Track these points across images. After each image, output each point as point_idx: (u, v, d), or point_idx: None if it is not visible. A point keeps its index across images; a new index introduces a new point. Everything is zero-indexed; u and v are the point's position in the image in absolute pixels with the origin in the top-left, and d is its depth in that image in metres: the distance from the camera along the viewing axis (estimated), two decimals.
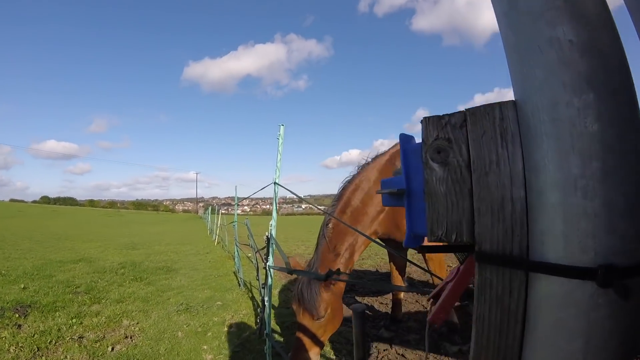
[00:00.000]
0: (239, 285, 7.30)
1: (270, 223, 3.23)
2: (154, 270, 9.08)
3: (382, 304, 6.06)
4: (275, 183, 3.15)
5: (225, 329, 4.96)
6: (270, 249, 3.29)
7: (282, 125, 3.05)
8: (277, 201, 3.22)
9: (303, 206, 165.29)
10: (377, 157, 4.00)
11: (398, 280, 4.76)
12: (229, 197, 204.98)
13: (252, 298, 6.38)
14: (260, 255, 4.00)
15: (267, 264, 3.29)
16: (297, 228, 32.02)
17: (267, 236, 3.42)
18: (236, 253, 8.53)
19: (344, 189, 3.69)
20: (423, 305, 5.74)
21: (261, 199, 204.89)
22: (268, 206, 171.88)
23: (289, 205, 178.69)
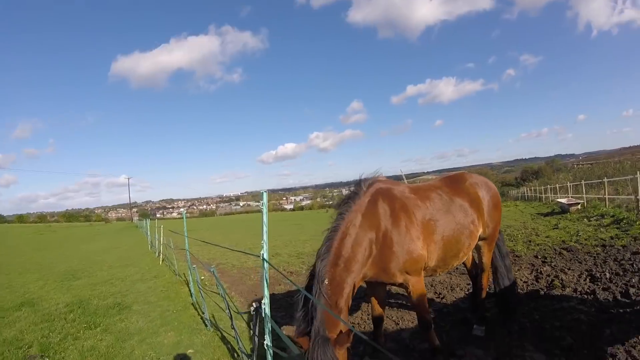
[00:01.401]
0: (205, 324, 6.76)
1: (263, 302, 3.19)
2: (106, 310, 8.24)
3: (352, 323, 6.37)
4: (263, 259, 3.09)
5: None
6: (267, 328, 3.23)
7: (265, 192, 2.98)
8: (267, 278, 3.17)
9: (241, 204, 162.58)
10: (353, 197, 4.13)
11: (378, 310, 4.79)
12: (163, 199, 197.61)
13: (227, 342, 5.86)
14: (231, 304, 3.98)
15: (266, 342, 3.19)
16: (248, 230, 32.24)
17: (254, 307, 3.47)
18: (191, 283, 8.37)
19: (331, 238, 3.71)
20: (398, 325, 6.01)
21: (197, 199, 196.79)
22: (205, 207, 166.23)
23: (226, 204, 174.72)
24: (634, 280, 6.69)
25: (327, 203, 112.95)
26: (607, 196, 17.18)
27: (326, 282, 3.45)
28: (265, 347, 3.17)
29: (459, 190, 5.01)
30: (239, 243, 19.82)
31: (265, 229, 2.97)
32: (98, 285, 11.06)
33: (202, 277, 10.19)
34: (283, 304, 7.56)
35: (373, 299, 4.69)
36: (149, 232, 22.53)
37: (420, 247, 4.17)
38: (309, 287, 3.63)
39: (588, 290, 6.62)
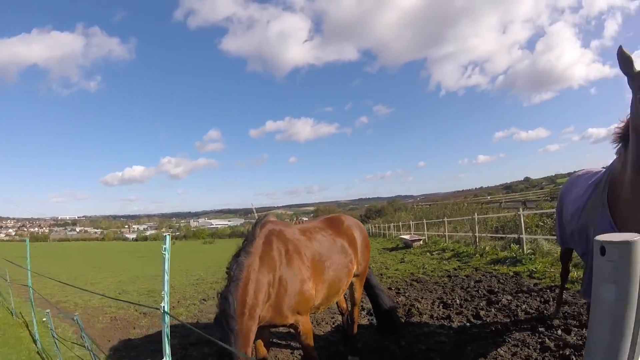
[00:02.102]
0: None
1: None
2: None
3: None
4: (164, 312, 2.73)
5: None
6: None
7: (169, 234, 2.73)
8: (168, 334, 2.80)
9: (77, 229, 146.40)
10: (250, 239, 4.08)
11: (263, 352, 4.70)
12: None
13: None
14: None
15: None
16: (88, 261, 28.22)
17: None
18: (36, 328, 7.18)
19: (236, 285, 3.66)
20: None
21: (28, 219, 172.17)
22: (37, 229, 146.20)
23: (61, 229, 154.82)
24: (482, 304, 7.55)
25: (175, 234, 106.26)
26: (447, 233, 19.21)
27: (240, 340, 3.45)
28: None
29: (339, 232, 5.30)
30: (78, 277, 17.63)
31: (166, 277, 2.67)
32: None
33: (44, 319, 8.68)
34: (143, 350, 6.82)
35: (258, 343, 4.57)
36: None
37: (311, 287, 4.30)
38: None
39: (443, 316, 7.26)
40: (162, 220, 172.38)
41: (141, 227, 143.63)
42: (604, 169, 4.01)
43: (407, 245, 20.78)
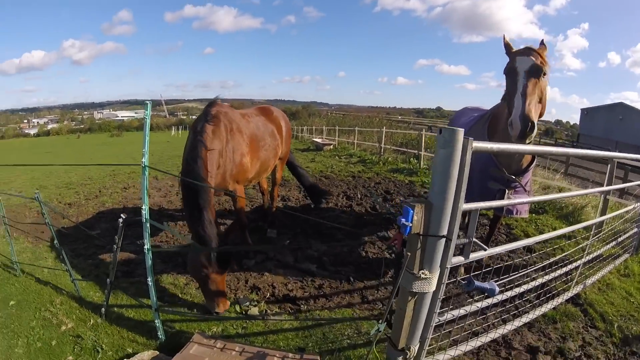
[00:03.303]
0: (9, 271, 5.76)
1: (143, 208, 3.44)
2: None
3: None
4: (144, 166, 3.33)
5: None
6: (146, 232, 3.53)
7: (149, 102, 3.18)
8: (146, 186, 3.42)
9: None
10: (204, 117, 4.80)
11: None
12: None
13: (49, 283, 5.33)
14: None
15: (146, 247, 3.52)
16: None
17: (123, 219, 3.75)
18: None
19: (198, 153, 4.43)
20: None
21: None
22: None
23: None
24: (379, 200, 8.94)
25: (78, 127, 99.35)
26: (356, 141, 20.70)
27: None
28: (145, 251, 3.52)
29: (270, 119, 6.36)
30: (10, 181, 16.72)
31: (147, 139, 3.21)
32: None
33: None
34: (80, 236, 6.95)
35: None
36: None
37: (248, 161, 5.27)
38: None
39: (346, 205, 8.64)
40: (64, 112, 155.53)
41: (41, 121, 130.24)
42: (489, 109, 5.25)
43: (318, 148, 21.97)
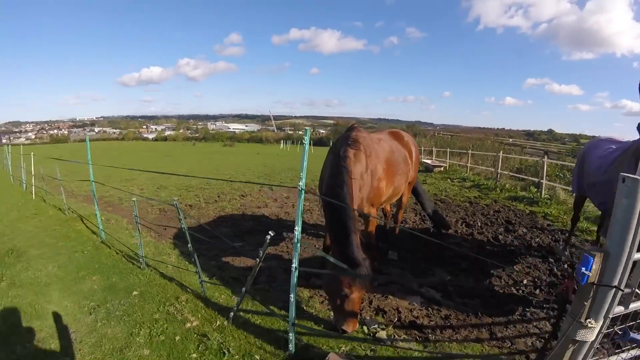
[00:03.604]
0: (134, 263, 6.33)
1: (296, 229, 3.61)
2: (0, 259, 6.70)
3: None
4: (301, 190, 3.42)
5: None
6: (296, 253, 3.62)
7: (309, 129, 3.41)
8: (301, 208, 3.51)
9: (96, 130, 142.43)
10: (344, 143, 4.90)
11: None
12: (9, 122, 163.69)
13: (173, 279, 5.72)
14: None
15: (294, 265, 3.63)
16: (117, 160, 27.59)
17: (270, 236, 3.90)
18: (99, 219, 8.08)
19: (344, 179, 4.51)
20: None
21: (46, 122, 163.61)
22: (56, 131, 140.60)
23: (79, 129, 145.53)
24: (500, 230, 8.60)
25: (193, 136, 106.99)
26: (469, 164, 19.85)
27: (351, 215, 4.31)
28: (292, 270, 3.63)
29: (403, 144, 6.41)
30: (112, 175, 17.58)
31: (305, 164, 3.30)
32: None
33: (84, 214, 9.35)
34: (201, 238, 6.57)
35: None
36: (9, 162, 18.89)
37: (384, 186, 5.34)
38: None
39: (467, 233, 8.36)
40: (180, 121, 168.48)
41: (159, 128, 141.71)
42: (630, 141, 4.92)
43: (428, 169, 21.56)
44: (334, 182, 4.51)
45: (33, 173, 13.62)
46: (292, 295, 3.67)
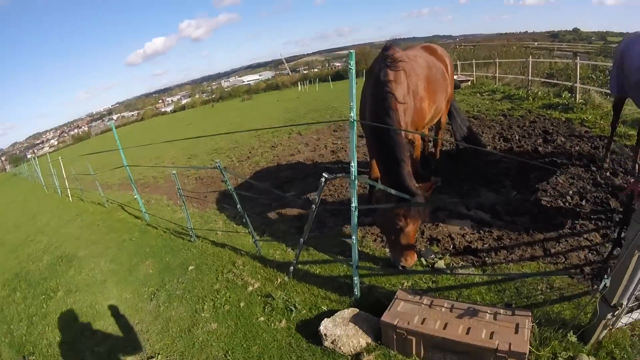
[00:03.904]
0: (183, 238, 6.49)
1: (352, 164, 3.55)
2: (52, 270, 6.76)
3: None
4: (353, 121, 3.22)
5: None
6: (353, 189, 3.52)
7: (353, 51, 3.03)
8: (355, 139, 3.33)
9: (115, 117, 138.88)
10: (383, 66, 4.57)
11: (377, 173, 5.27)
12: (30, 136, 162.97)
13: (225, 245, 5.84)
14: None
15: (353, 205, 3.53)
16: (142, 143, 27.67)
17: (325, 178, 3.81)
18: (141, 204, 7.91)
19: (389, 104, 4.31)
20: None
21: (65, 125, 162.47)
22: (76, 130, 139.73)
23: (98, 122, 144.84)
24: (539, 141, 8.47)
25: (209, 98, 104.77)
26: (497, 75, 19.16)
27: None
28: (352, 209, 3.54)
29: (438, 57, 6.09)
30: (142, 156, 18.25)
31: (353, 90, 3.08)
32: (20, 248, 9.02)
33: (135, 197, 8.61)
34: (244, 196, 6.54)
35: (373, 162, 5.14)
36: (39, 174, 19.63)
37: (427, 106, 5.16)
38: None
39: (505, 148, 8.33)
40: (194, 86, 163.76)
41: (175, 99, 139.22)
42: None
43: (455, 85, 20.96)
44: (378, 108, 4.31)
45: (65, 176, 13.64)
46: (353, 237, 3.62)
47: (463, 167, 7.11)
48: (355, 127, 3.24)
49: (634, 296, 2.77)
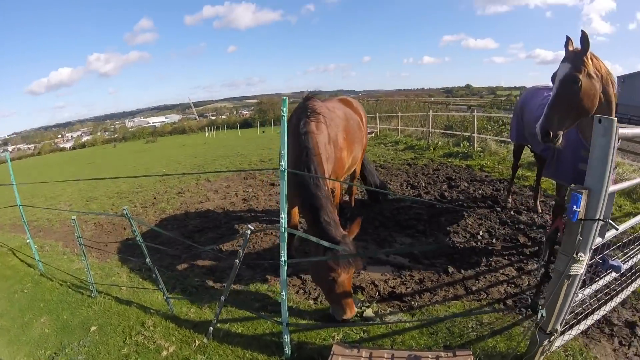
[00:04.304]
0: (83, 293, 5.64)
1: (281, 216, 3.38)
2: None
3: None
4: (283, 170, 3.12)
5: None
6: (283, 243, 3.33)
7: (286, 98, 3.01)
8: (285, 190, 3.23)
9: (10, 149, 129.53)
10: (303, 117, 4.59)
11: (296, 220, 5.30)
12: None
13: (130, 303, 5.18)
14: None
15: (282, 259, 3.34)
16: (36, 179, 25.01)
17: (251, 230, 3.60)
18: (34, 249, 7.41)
19: (313, 154, 4.30)
20: None
21: None
22: None
23: None
24: (444, 187, 8.91)
25: (112, 137, 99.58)
26: (400, 127, 20.27)
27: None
28: (281, 264, 3.33)
29: (354, 110, 6.24)
30: (35, 195, 15.50)
31: (285, 138, 3.00)
32: None
33: (27, 241, 7.31)
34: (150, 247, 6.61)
35: (294, 210, 5.06)
36: None
37: (345, 155, 5.20)
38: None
39: (414, 194, 8.60)
40: (96, 123, 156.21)
41: (75, 135, 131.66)
42: None
43: None
44: (301, 158, 4.27)
45: None
46: (283, 293, 3.39)
47: (377, 215, 7.20)
48: (285, 177, 3.13)
49: (564, 320, 2.95)
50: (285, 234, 3.27)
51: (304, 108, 4.68)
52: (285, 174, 3.10)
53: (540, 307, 2.72)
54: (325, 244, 3.52)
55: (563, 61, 3.65)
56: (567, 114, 3.54)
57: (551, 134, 3.41)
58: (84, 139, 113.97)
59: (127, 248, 7.22)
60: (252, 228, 3.54)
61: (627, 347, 3.47)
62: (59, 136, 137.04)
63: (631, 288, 4.06)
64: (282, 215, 3.20)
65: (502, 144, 12.67)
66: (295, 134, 4.45)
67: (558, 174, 4.78)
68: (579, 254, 2.60)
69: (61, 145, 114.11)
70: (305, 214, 4.23)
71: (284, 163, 3.05)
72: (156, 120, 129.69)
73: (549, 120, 3.43)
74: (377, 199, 7.93)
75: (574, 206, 2.44)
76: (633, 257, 4.01)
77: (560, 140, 3.48)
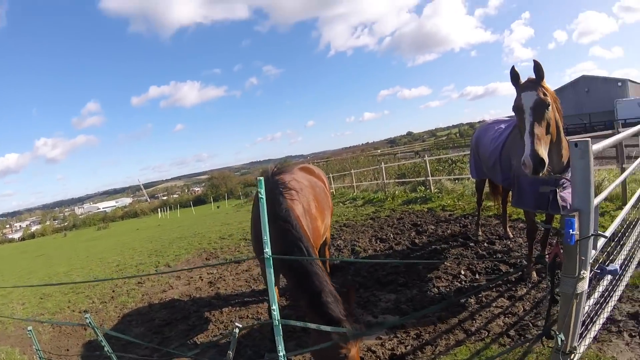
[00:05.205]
0: None
1: (272, 307, 3.17)
2: None
3: None
4: (268, 258, 2.89)
5: None
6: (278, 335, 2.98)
7: (261, 179, 2.96)
8: (272, 278, 2.97)
9: None
10: (277, 189, 4.39)
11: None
12: None
13: None
14: None
15: (281, 354, 2.99)
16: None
17: (238, 329, 3.18)
18: None
19: (296, 230, 4.06)
20: None
21: None
22: None
23: None
24: (412, 234, 8.89)
25: (61, 225, 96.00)
26: (354, 184, 20.44)
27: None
28: (280, 358, 2.96)
29: (316, 176, 6.20)
30: (7, 294, 15.36)
31: (266, 222, 2.85)
32: None
33: None
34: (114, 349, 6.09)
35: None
36: None
37: (320, 224, 5.05)
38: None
39: (385, 248, 8.47)
40: (45, 212, 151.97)
41: (24, 224, 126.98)
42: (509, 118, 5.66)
43: None
44: (287, 237, 3.99)
45: None
46: None
47: (354, 275, 7.03)
48: (271, 265, 2.91)
49: (578, 335, 2.91)
50: (280, 327, 2.94)
51: (275, 184, 4.49)
52: (271, 260, 2.88)
53: (557, 333, 2.67)
54: (329, 329, 3.22)
55: (524, 90, 3.79)
56: (544, 138, 3.63)
57: (545, 161, 3.46)
58: (33, 228, 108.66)
59: (90, 351, 6.55)
60: (240, 326, 3.20)
61: (638, 337, 3.56)
62: (7, 226, 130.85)
63: (624, 282, 4.16)
64: (273, 307, 2.93)
65: (457, 181, 12.99)
66: (274, 213, 4.16)
67: (522, 203, 4.86)
68: (582, 272, 2.61)
69: (9, 236, 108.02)
70: (302, 298, 3.83)
71: (268, 250, 2.84)
72: (106, 205, 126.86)
73: (535, 147, 3.48)
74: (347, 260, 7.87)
75: (570, 230, 2.43)
76: (621, 253, 4.16)
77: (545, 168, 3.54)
